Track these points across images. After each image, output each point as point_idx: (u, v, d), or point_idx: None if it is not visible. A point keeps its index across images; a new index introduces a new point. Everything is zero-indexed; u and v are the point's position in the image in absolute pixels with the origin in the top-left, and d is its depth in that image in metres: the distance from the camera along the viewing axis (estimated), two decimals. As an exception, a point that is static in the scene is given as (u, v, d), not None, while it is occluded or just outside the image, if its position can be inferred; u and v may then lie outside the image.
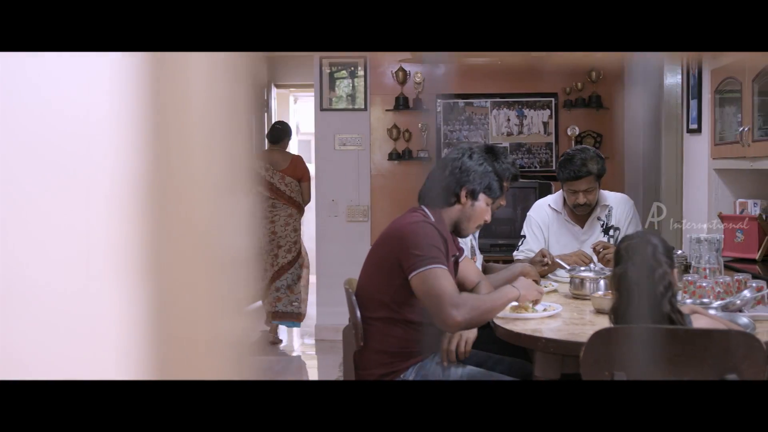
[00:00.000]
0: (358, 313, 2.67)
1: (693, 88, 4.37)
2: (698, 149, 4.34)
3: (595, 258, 3.48)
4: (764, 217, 3.82)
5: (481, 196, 2.76)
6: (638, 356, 2.07)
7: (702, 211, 4.19)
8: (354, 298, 2.71)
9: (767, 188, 3.87)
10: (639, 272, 2.10)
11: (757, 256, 3.80)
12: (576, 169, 3.60)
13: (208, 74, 0.36)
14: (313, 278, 6.07)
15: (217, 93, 0.37)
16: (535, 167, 5.90)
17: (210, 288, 0.36)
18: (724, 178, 4.08)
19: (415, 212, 2.70)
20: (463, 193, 2.72)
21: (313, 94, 6.08)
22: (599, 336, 2.07)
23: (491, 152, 3.28)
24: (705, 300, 2.70)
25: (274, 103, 8.38)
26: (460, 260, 2.91)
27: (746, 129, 3.58)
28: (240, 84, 0.39)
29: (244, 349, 0.37)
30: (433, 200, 2.73)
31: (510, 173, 3.35)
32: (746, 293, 2.71)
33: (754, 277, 3.54)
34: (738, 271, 3.72)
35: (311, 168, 6.05)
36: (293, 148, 9.51)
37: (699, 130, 4.30)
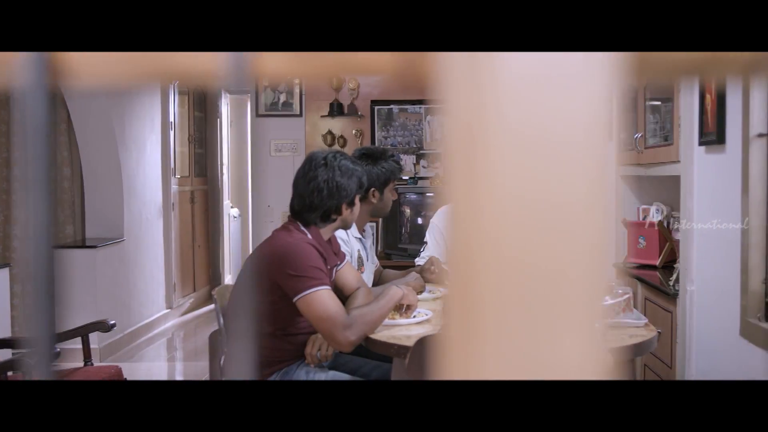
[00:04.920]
0: (221, 321, 2.69)
1: (606, 95, 4.40)
2: (611, 155, 4.37)
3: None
4: (665, 223, 3.84)
5: (356, 198, 2.79)
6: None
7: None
8: (218, 306, 2.73)
9: (669, 195, 3.89)
10: None
11: (657, 263, 3.83)
12: None
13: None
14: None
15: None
16: (469, 173, 5.93)
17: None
18: (628, 184, 4.11)
19: (293, 230, 2.68)
20: (343, 208, 2.74)
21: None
22: (422, 343, 2.09)
23: (368, 157, 3.29)
24: (564, 306, 2.72)
25: (226, 110, 8.40)
26: (339, 268, 2.92)
27: (639, 136, 3.60)
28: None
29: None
30: (314, 221, 2.72)
31: (396, 173, 3.38)
32: (607, 299, 2.73)
33: (650, 284, 3.57)
34: (635, 278, 3.75)
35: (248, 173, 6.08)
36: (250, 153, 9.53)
37: (611, 137, 4.32)
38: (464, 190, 0.33)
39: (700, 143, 2.95)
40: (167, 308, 6.94)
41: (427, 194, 5.76)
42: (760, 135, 2.56)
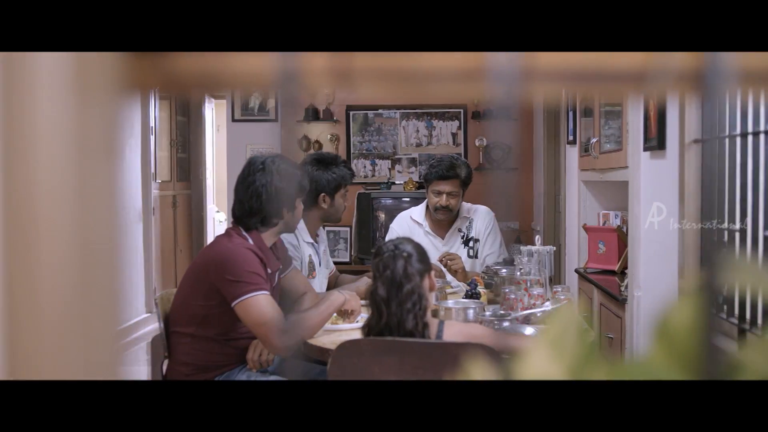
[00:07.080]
0: (161, 325, 2.70)
1: (571, 99, 4.40)
2: (574, 160, 4.37)
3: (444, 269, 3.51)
4: (624, 229, 3.84)
5: (298, 202, 2.80)
6: (378, 368, 2.10)
7: (574, 221, 4.22)
8: (158, 310, 2.74)
9: (626, 200, 3.89)
10: (387, 290, 2.13)
11: (616, 268, 3.83)
12: (444, 170, 3.66)
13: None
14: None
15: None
16: (444, 178, 5.93)
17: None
18: (590, 189, 4.11)
19: (233, 235, 2.69)
20: (284, 212, 2.75)
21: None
22: (343, 348, 2.10)
23: (319, 162, 3.30)
24: (501, 312, 2.73)
25: (211, 114, 8.42)
26: (283, 274, 2.93)
27: (594, 141, 3.61)
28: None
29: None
30: (254, 226, 2.71)
31: (347, 179, 3.36)
32: (548, 304, 2.74)
33: (604, 289, 3.57)
34: (592, 283, 3.75)
35: (224, 178, 6.09)
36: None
37: (575, 142, 4.33)
38: None
39: (645, 149, 2.95)
40: (147, 312, 6.95)
41: (402, 199, 5.77)
42: (696, 141, 2.57)
